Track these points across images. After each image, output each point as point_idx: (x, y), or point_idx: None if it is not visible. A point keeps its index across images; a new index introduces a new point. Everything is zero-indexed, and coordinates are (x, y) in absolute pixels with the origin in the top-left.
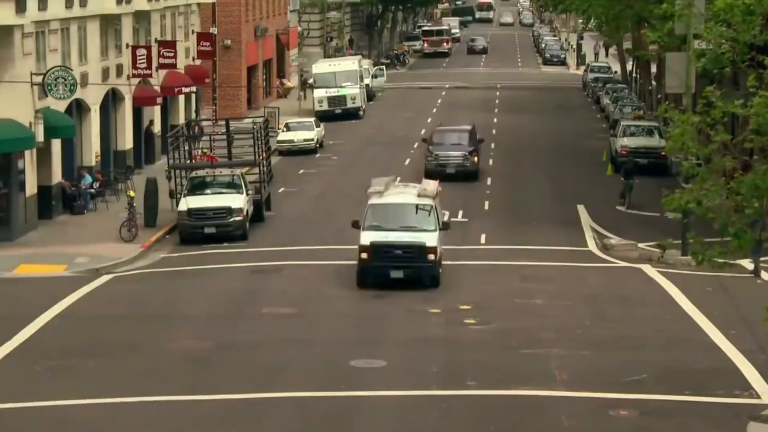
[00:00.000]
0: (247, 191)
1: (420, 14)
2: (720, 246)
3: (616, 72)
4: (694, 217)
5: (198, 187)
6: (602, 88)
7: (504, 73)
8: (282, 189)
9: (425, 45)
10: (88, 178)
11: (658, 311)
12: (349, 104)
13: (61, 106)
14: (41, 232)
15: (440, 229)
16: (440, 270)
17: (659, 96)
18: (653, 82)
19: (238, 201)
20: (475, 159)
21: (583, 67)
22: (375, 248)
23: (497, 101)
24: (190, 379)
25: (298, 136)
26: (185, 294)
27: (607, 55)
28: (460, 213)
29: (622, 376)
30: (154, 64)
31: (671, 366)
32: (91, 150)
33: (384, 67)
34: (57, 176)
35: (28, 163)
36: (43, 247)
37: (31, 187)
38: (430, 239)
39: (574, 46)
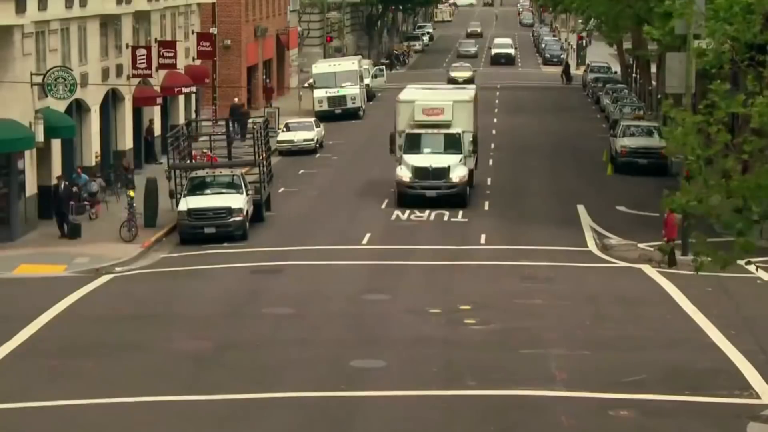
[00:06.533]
0: (247, 191)
1: (420, 14)
2: (725, 253)
3: (616, 72)
4: (694, 219)
5: (198, 187)
6: (602, 88)
7: (504, 73)
8: (282, 189)
9: None
10: (84, 178)
11: (658, 311)
12: (349, 104)
13: (61, 106)
14: (41, 232)
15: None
16: None
17: (659, 96)
18: (653, 82)
19: (238, 201)
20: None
21: (583, 67)
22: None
23: (497, 101)
24: (190, 379)
25: (298, 136)
26: (185, 294)
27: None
28: (460, 213)
29: (622, 376)
30: (154, 64)
31: (671, 366)
32: (91, 150)
33: (384, 67)
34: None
35: (28, 163)
36: (43, 247)
37: (31, 187)
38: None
39: (574, 46)
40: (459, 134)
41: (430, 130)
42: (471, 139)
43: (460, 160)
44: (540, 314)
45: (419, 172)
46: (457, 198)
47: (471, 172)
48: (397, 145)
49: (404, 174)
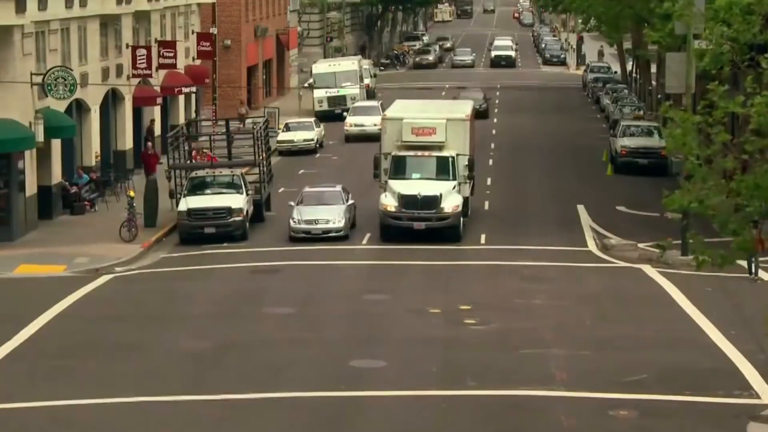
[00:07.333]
0: (247, 191)
1: (420, 14)
2: (724, 251)
3: (616, 72)
4: (694, 219)
5: (198, 187)
6: (602, 88)
7: (504, 73)
8: (282, 189)
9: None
10: (85, 178)
11: (658, 311)
12: (349, 104)
13: (61, 106)
14: (41, 232)
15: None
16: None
17: (659, 96)
18: (653, 82)
19: (238, 201)
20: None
21: (583, 67)
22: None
23: (497, 101)
24: (190, 379)
25: (298, 136)
26: (185, 294)
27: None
28: None
29: (622, 376)
30: (154, 64)
31: (671, 366)
32: (91, 150)
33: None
34: (57, 176)
35: (28, 163)
36: (43, 247)
37: (31, 187)
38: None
39: (574, 46)
40: (453, 157)
41: (419, 153)
42: (466, 163)
43: (454, 188)
44: (540, 314)
45: (406, 201)
46: (449, 231)
47: (466, 201)
48: (382, 169)
49: (389, 203)
